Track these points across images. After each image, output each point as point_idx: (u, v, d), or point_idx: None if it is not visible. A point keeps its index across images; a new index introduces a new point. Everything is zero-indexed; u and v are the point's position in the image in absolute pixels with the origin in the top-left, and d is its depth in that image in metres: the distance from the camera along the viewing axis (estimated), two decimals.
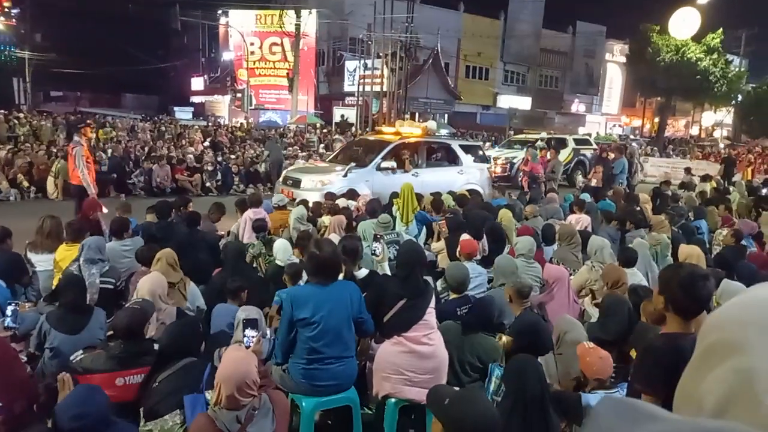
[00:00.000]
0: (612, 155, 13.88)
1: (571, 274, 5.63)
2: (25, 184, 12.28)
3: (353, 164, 10.24)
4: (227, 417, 2.46)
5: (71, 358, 3.26)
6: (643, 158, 19.19)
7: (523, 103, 40.98)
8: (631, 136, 35.01)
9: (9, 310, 3.84)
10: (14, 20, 34.92)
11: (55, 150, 14.15)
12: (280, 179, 11.03)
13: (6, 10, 34.07)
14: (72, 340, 3.54)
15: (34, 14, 35.69)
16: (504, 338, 3.66)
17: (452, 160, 11.51)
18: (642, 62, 31.10)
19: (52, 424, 2.32)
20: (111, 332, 3.66)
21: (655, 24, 30.32)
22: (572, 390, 3.18)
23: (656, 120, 39.73)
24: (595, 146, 19.69)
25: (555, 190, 11.69)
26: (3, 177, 12.15)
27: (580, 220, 7.50)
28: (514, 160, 17.13)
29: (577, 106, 45.85)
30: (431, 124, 12.58)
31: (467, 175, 11.15)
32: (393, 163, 10.36)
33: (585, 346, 3.21)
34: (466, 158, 11.44)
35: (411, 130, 11.58)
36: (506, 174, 16.94)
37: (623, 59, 42.08)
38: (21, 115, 21.20)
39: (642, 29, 31.42)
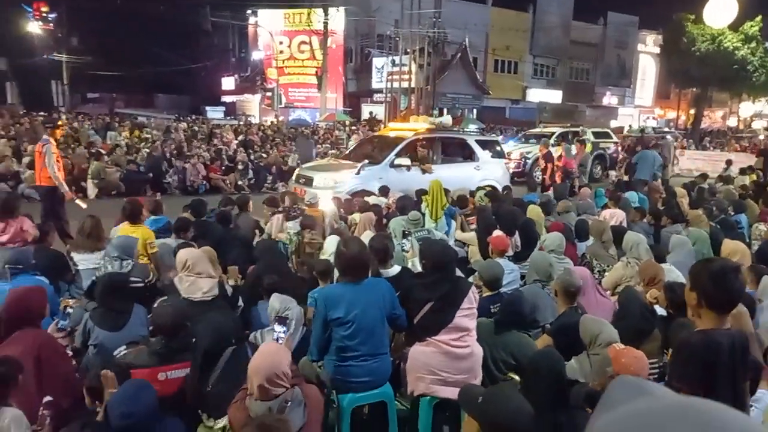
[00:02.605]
0: (638, 148, 13.58)
1: (604, 270, 5.57)
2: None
3: (366, 162, 10.13)
4: (260, 408, 2.52)
5: (114, 353, 3.37)
6: (679, 151, 18.69)
7: (554, 96, 40.40)
8: (666, 128, 34.17)
9: (64, 309, 3.97)
10: (51, 25, 35.89)
11: (93, 151, 14.53)
12: (293, 177, 10.96)
13: (44, 15, 35.05)
14: (114, 336, 3.65)
15: (71, 18, 36.67)
16: (545, 337, 3.63)
17: (468, 155, 11.29)
18: (676, 53, 30.33)
19: (105, 419, 2.41)
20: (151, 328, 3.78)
21: (690, 13, 29.52)
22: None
23: (692, 111, 38.71)
24: (616, 139, 19.19)
25: (587, 184, 11.52)
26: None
27: (614, 215, 7.39)
28: (529, 155, 16.72)
29: (609, 99, 44.94)
30: (445, 119, 12.44)
31: (484, 171, 10.97)
32: (407, 160, 10.24)
33: (616, 348, 3.18)
34: (483, 153, 11.23)
35: (424, 126, 11.44)
36: (520, 170, 16.51)
37: (657, 50, 41.12)
38: (62, 117, 21.84)
39: (676, 19, 30.62)
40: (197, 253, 4.22)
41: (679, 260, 5.30)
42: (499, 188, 10.29)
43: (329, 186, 9.52)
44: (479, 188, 9.57)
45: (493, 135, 20.59)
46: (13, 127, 17.30)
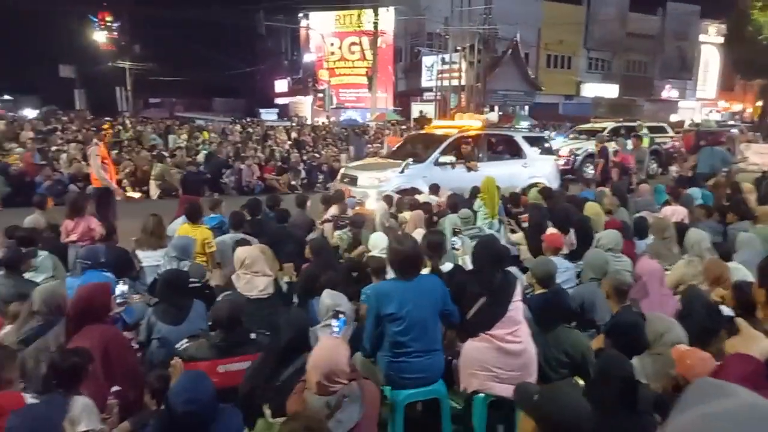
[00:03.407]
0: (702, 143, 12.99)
1: (666, 270, 5.37)
2: (129, 188, 13.20)
3: (410, 160, 10.04)
4: (318, 402, 2.56)
5: (177, 346, 3.50)
6: (744, 145, 17.74)
7: (609, 90, 39.21)
8: (731, 122, 32.56)
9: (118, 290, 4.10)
10: (116, 33, 37.57)
11: (155, 153, 15.13)
12: (338, 177, 10.95)
13: (108, 24, 36.73)
14: (176, 330, 3.79)
15: (133, 27, 38.30)
16: (601, 337, 3.55)
17: (515, 152, 11.03)
18: (741, 42, 28.83)
19: (165, 409, 2.51)
20: (210, 323, 3.90)
21: (756, 0, 28.02)
22: (671, 391, 3.04)
23: (758, 104, 36.73)
24: (672, 134, 18.39)
25: (645, 180, 11.10)
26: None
27: (675, 212, 7.11)
28: (578, 152, 16.23)
29: (669, 92, 43.23)
30: (491, 116, 12.23)
31: (532, 169, 10.70)
32: (452, 158, 10.09)
33: (680, 349, 3.06)
34: (530, 151, 10.95)
35: (470, 123, 11.26)
36: (569, 167, 16.01)
37: (720, 40, 39.25)
38: (127, 122, 22.85)
39: (741, 6, 29.12)
40: (255, 252, 4.33)
41: (747, 259, 5.05)
42: (548, 186, 10.08)
43: (373, 185, 9.50)
44: (530, 186, 9.40)
45: (545, 132, 20.14)
46: (79, 133, 18.18)
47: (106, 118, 22.50)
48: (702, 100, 45.31)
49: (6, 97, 44.28)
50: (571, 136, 18.52)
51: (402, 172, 9.75)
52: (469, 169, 10.14)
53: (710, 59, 44.82)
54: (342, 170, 11.20)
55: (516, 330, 3.39)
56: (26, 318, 3.57)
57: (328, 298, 3.84)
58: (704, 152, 12.38)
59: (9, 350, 3.07)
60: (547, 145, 11.80)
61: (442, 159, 10.05)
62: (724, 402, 0.68)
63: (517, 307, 3.45)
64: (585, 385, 3.29)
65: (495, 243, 3.83)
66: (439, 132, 11.46)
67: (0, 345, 3.33)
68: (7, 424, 2.31)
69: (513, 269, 4.42)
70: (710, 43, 43.75)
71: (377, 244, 5.20)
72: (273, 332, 3.34)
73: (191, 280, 4.88)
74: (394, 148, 12.75)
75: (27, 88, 45.14)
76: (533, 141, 11.40)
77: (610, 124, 17.83)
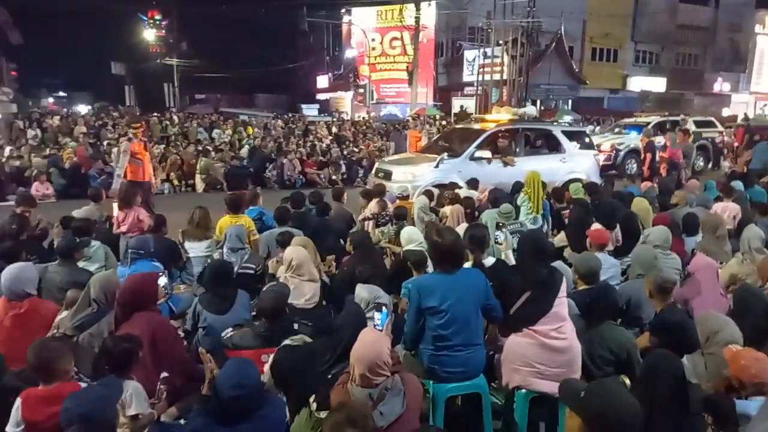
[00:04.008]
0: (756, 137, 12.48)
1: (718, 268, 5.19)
2: (176, 181, 13.58)
3: (445, 154, 9.92)
4: (361, 394, 2.58)
5: (222, 334, 3.59)
6: None
7: (657, 84, 37.98)
8: None
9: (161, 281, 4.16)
10: (164, 31, 38.58)
11: (201, 148, 15.50)
12: (373, 171, 10.90)
13: (157, 22, 37.75)
14: (221, 319, 3.88)
15: (180, 24, 39.24)
16: (647, 335, 3.46)
17: (554, 147, 10.78)
18: None
19: (212, 394, 2.57)
20: (254, 313, 3.98)
21: None
22: (724, 392, 2.93)
23: None
24: (720, 128, 17.65)
25: (694, 176, 10.75)
26: (159, 173, 13.52)
27: (727, 209, 6.86)
28: (620, 146, 15.75)
29: (721, 85, 41.54)
30: (529, 109, 11.97)
31: (571, 164, 10.42)
32: (488, 153, 9.93)
33: (733, 348, 2.95)
34: (569, 145, 10.68)
35: (506, 117, 11.05)
36: (611, 162, 15.50)
37: None
38: (174, 117, 23.47)
39: None
40: (302, 254, 4.36)
41: None
42: (588, 180, 9.77)
43: (408, 180, 9.44)
44: (570, 181, 9.19)
45: (590, 126, 19.63)
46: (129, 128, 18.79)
47: (154, 114, 23.15)
48: (756, 93, 43.38)
49: (61, 93, 46.09)
50: (616, 130, 18.01)
51: (437, 166, 9.68)
52: (506, 164, 10.00)
53: (766, 51, 42.84)
54: (377, 165, 11.16)
55: (561, 326, 3.33)
56: (81, 305, 3.71)
57: (365, 291, 3.87)
58: (759, 147, 11.91)
59: (66, 342, 3.20)
60: (587, 139, 11.48)
61: (478, 154, 9.92)
62: None
63: (562, 303, 3.40)
64: (630, 383, 3.21)
65: (540, 237, 3.78)
66: (475, 126, 11.32)
67: (57, 337, 3.49)
68: (64, 404, 2.41)
69: (558, 264, 4.35)
70: (766, 34, 41.82)
71: (411, 238, 5.20)
72: (328, 328, 3.36)
73: (247, 266, 5.00)
74: (427, 143, 12.58)
75: (80, 84, 46.93)
76: (572, 135, 11.11)
77: (655, 119, 17.25)
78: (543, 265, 3.49)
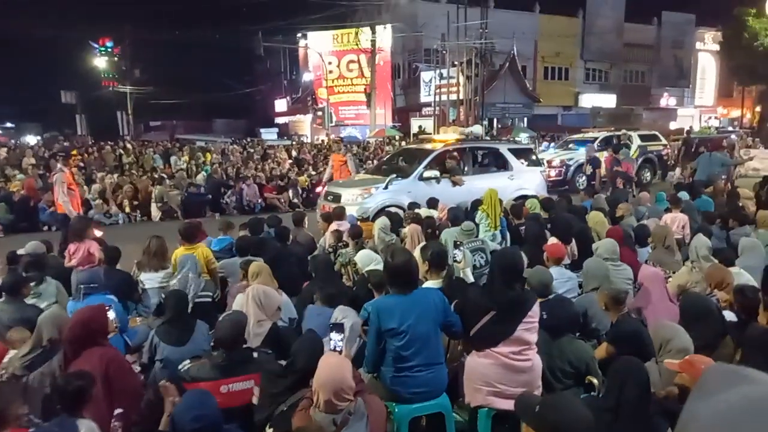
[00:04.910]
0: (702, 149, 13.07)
1: (669, 277, 5.36)
2: (128, 209, 13.23)
3: (393, 176, 9.94)
4: (324, 420, 2.55)
5: (179, 367, 3.50)
6: (744, 151, 17.78)
7: (607, 100, 39.36)
8: (729, 128, 32.60)
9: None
10: (116, 58, 37.95)
11: (156, 176, 15.21)
12: (322, 195, 10.80)
13: (108, 49, 37.12)
14: (179, 351, 3.79)
15: (133, 51, 38.63)
16: (604, 346, 3.53)
17: (502, 165, 10.91)
18: (738, 49, 29.05)
19: (171, 427, 2.50)
20: (212, 343, 3.90)
21: (751, 7, 28.24)
22: (677, 398, 3.02)
23: (757, 109, 36.85)
24: (665, 141, 18.42)
25: (644, 188, 11.15)
26: (112, 202, 13.19)
27: (676, 219, 7.11)
28: (570, 162, 16.20)
29: (667, 100, 43.36)
30: (476, 128, 12.19)
31: (519, 181, 10.53)
32: (436, 173, 10.00)
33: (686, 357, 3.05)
34: (516, 163, 10.83)
35: (454, 137, 11.15)
36: (561, 177, 15.95)
37: (716, 47, 39.48)
38: (129, 146, 23.00)
39: (736, 14, 29.37)
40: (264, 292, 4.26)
41: (751, 264, 5.04)
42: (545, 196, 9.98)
43: (357, 202, 9.40)
44: (520, 197, 9.35)
45: (545, 143, 20.08)
46: (82, 157, 18.30)
47: (108, 142, 22.62)
48: (700, 107, 45.43)
49: (8, 124, 44.66)
50: (570, 146, 18.50)
51: (386, 188, 9.66)
52: (455, 183, 10.04)
53: (707, 67, 45.02)
54: (326, 188, 11.03)
55: (523, 349, 3.28)
56: (33, 344, 3.57)
57: (338, 312, 3.86)
58: (703, 158, 12.42)
59: (15, 386, 3.07)
60: (533, 156, 11.71)
61: (427, 174, 9.94)
62: (755, 387, 0.68)
63: (530, 329, 3.30)
64: (587, 394, 3.27)
65: (514, 257, 3.55)
66: (424, 146, 11.36)
67: (7, 381, 3.34)
68: None
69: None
70: (707, 51, 43.98)
71: (366, 261, 5.21)
72: (284, 355, 3.32)
73: (203, 294, 4.90)
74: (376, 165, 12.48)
75: (29, 114, 45.58)
76: (519, 153, 11.27)
77: (602, 134, 17.82)
78: (513, 287, 3.37)
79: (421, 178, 9.91)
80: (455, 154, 10.70)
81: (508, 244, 7.44)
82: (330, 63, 35.59)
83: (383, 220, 7.17)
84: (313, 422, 2.58)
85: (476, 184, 9.60)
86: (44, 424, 2.82)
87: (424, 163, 10.09)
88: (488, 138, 16.34)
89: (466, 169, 10.66)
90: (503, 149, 11.14)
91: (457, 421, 3.57)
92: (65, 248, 6.60)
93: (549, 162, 15.78)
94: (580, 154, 15.78)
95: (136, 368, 3.95)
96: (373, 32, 31.16)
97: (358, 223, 7.63)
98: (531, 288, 4.04)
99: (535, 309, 3.33)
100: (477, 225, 7.21)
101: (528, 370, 3.30)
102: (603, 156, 13.25)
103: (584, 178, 14.55)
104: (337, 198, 9.87)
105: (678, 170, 16.50)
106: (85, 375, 2.93)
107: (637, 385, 2.60)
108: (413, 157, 10.77)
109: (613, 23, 39.30)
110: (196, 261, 5.34)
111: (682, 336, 3.42)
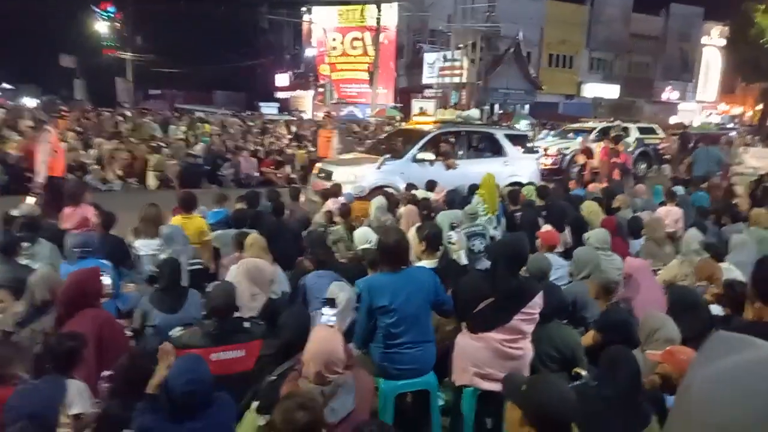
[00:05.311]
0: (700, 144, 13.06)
1: (658, 269, 5.41)
2: (119, 173, 13.11)
3: (387, 156, 9.91)
4: (313, 391, 2.59)
5: (170, 333, 3.53)
6: (742, 148, 17.82)
7: (610, 91, 39.19)
8: (730, 125, 32.61)
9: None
10: (117, 24, 37.41)
11: (154, 144, 15.13)
12: (315, 172, 10.76)
13: (109, 14, 36.58)
14: (171, 318, 3.83)
15: (135, 18, 38.09)
16: (591, 333, 3.57)
17: (496, 150, 10.87)
18: (744, 45, 28.86)
19: (163, 391, 2.54)
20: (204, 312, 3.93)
21: (759, 3, 28.03)
22: (659, 388, 3.07)
23: (758, 107, 36.77)
24: (662, 135, 18.43)
25: (639, 181, 11.18)
26: (109, 169, 13.14)
27: (670, 213, 7.15)
28: (567, 151, 16.14)
29: (669, 94, 43.21)
30: (473, 112, 12.14)
31: (513, 167, 10.51)
32: (430, 155, 9.99)
33: (670, 348, 3.10)
34: (511, 149, 10.82)
35: (449, 119, 11.12)
36: (557, 166, 15.92)
37: (722, 42, 39.26)
38: (127, 113, 22.79)
39: (744, 9, 29.12)
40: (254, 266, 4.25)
41: (741, 260, 5.09)
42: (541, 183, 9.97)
43: (349, 180, 9.30)
44: (514, 184, 9.36)
45: (544, 131, 20.01)
46: (77, 122, 18.14)
47: (107, 109, 22.43)
48: (702, 102, 45.32)
49: (6, 85, 44.16)
50: (569, 135, 18.46)
51: (379, 168, 9.64)
52: (448, 166, 10.03)
53: (711, 62, 44.79)
54: (319, 165, 10.95)
55: (517, 338, 3.30)
56: (25, 302, 3.61)
57: (335, 287, 3.92)
58: (700, 153, 12.44)
59: (18, 346, 3.11)
60: (529, 143, 11.67)
61: (421, 155, 9.92)
62: (756, 350, 0.69)
63: (527, 321, 3.29)
64: (571, 379, 3.32)
65: (518, 244, 3.48)
66: (419, 128, 11.28)
67: (9, 341, 3.37)
68: (8, 402, 2.34)
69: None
70: (712, 46, 43.71)
71: (364, 238, 5.23)
72: (274, 328, 3.36)
73: (193, 261, 4.92)
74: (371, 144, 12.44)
75: (27, 77, 45.03)
76: (515, 139, 11.24)
77: (599, 125, 17.75)
78: (516, 275, 3.37)
79: (414, 160, 9.89)
80: (450, 137, 10.66)
81: (505, 229, 7.47)
82: (334, 39, 35.25)
83: (380, 200, 7.18)
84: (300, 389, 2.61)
85: (470, 169, 9.62)
86: (34, 381, 2.85)
87: (419, 144, 10.07)
88: (485, 123, 16.29)
89: (460, 152, 10.64)
90: (499, 134, 11.10)
91: (442, 399, 3.63)
92: (48, 212, 6.52)
93: (545, 150, 15.76)
94: (577, 144, 15.77)
95: (128, 333, 3.98)
96: (379, 10, 30.80)
97: (355, 200, 7.64)
98: (529, 275, 4.07)
99: (537, 300, 3.30)
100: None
101: (518, 358, 3.32)
102: (599, 147, 13.22)
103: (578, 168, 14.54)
104: (329, 176, 9.84)
105: (668, 166, 16.56)
106: (77, 336, 2.96)
107: (630, 374, 2.64)
108: (408, 138, 10.73)
109: (621, 12, 38.98)
110: (182, 231, 5.36)
111: (669, 326, 3.47)
